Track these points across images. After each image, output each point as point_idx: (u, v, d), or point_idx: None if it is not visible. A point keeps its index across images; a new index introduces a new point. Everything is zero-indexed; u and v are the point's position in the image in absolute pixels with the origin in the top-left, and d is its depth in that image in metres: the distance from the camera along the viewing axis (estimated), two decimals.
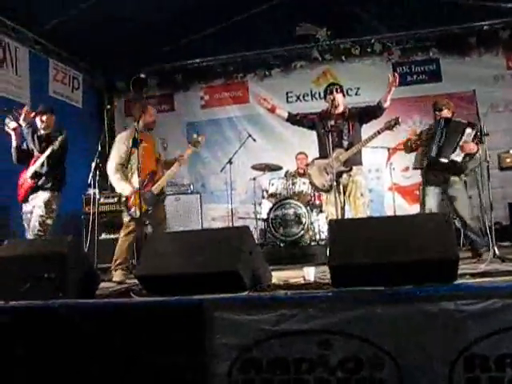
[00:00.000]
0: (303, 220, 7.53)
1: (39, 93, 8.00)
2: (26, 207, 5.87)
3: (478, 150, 5.53)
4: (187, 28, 8.64)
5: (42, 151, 5.79)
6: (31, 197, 5.82)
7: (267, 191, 8.24)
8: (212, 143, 9.63)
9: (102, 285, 4.23)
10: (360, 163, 5.94)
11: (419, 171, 5.98)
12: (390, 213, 8.00)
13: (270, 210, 7.69)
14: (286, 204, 7.70)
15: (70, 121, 8.00)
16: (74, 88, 9.18)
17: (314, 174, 6.08)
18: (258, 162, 8.32)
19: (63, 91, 8.86)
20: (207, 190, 9.46)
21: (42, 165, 5.77)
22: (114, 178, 5.87)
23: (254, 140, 8.09)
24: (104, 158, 6.07)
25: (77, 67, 9.25)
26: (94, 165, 5.82)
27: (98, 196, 6.10)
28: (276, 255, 7.12)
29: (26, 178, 5.82)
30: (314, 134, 6.11)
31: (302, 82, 9.53)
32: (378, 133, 5.75)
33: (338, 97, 5.93)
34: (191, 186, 8.98)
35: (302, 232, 7.57)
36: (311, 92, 9.47)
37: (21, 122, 5.77)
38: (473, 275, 3.52)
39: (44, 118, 5.92)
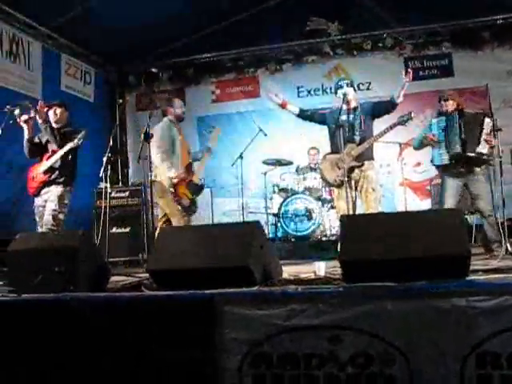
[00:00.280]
0: (314, 215, 7.54)
1: (51, 87, 8.04)
2: (37, 201, 5.88)
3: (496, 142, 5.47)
4: (199, 22, 8.64)
5: (59, 146, 5.77)
6: (44, 191, 5.83)
7: (278, 186, 8.25)
8: (223, 138, 9.61)
9: (113, 278, 4.24)
10: (372, 158, 5.93)
11: (430, 166, 5.94)
12: (400, 208, 7.97)
13: (281, 204, 7.70)
14: (296, 199, 7.71)
15: (82, 115, 8.03)
16: (85, 82, 9.21)
17: (325, 169, 6.07)
18: (269, 157, 8.32)
19: (75, 86, 8.89)
20: (218, 185, 9.45)
21: (57, 160, 5.78)
22: (164, 165, 5.94)
23: (265, 135, 8.08)
24: (115, 152, 6.10)
25: (89, 61, 9.28)
26: (105, 159, 5.84)
27: (109, 190, 6.13)
28: (287, 250, 7.12)
29: (38, 171, 5.82)
30: (325, 129, 6.10)
31: (313, 77, 9.50)
32: (391, 128, 5.73)
33: (350, 91, 5.91)
34: (202, 180, 8.98)
35: (313, 227, 7.57)
36: (322, 87, 9.44)
37: (37, 118, 5.75)
38: (485, 271, 3.49)
39: (58, 111, 5.91)
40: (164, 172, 5.96)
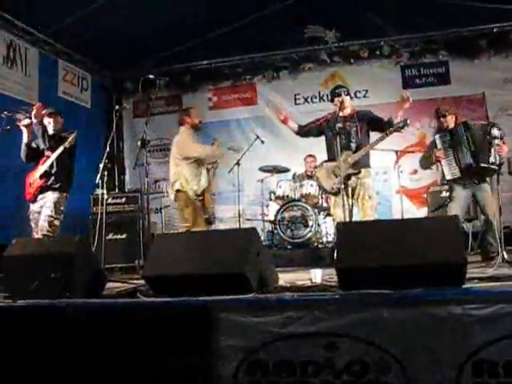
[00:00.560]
0: (310, 222, 7.53)
1: (48, 93, 8.04)
2: (33, 207, 5.89)
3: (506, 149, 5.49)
4: (196, 29, 8.64)
5: (51, 150, 5.79)
6: (40, 196, 5.83)
7: (275, 193, 8.25)
8: (220, 145, 9.62)
9: (109, 285, 4.23)
10: (368, 165, 5.94)
11: (428, 173, 5.95)
12: (397, 216, 7.97)
13: (278, 211, 7.69)
14: (293, 206, 7.70)
15: (79, 121, 8.06)
16: (83, 89, 9.22)
17: (322, 177, 6.08)
18: (265, 164, 8.32)
19: (72, 92, 8.90)
20: (215, 191, 9.45)
21: (52, 164, 5.79)
22: (201, 150, 6.34)
23: (262, 142, 8.08)
24: (112, 158, 6.13)
25: (86, 68, 9.29)
26: (102, 165, 5.83)
27: (105, 196, 6.12)
28: (283, 257, 7.11)
29: (35, 177, 5.83)
30: (322, 136, 6.12)
31: (310, 84, 9.53)
32: (386, 135, 5.74)
33: (347, 99, 5.93)
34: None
35: (309, 234, 7.57)
36: (319, 94, 9.47)
37: (32, 117, 5.76)
38: (481, 279, 3.49)
39: (52, 119, 5.94)
40: (195, 182, 6.24)
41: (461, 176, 5.55)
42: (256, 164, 8.40)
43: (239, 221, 7.80)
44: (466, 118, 5.88)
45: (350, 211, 5.80)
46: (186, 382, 2.92)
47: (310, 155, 8.37)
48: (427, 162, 5.93)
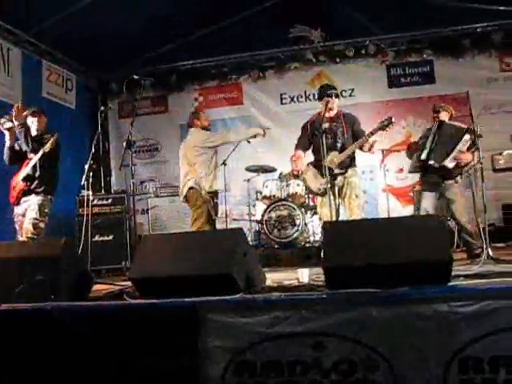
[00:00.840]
0: (297, 222, 7.53)
1: (32, 94, 7.95)
2: (17, 209, 5.85)
3: (472, 159, 5.55)
4: (181, 29, 8.63)
5: (34, 152, 5.75)
6: (23, 199, 5.79)
7: (261, 193, 8.24)
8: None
9: (96, 287, 4.21)
10: (354, 165, 5.95)
11: (416, 174, 6.02)
12: (383, 214, 8.00)
13: (264, 211, 7.68)
14: (280, 206, 7.70)
15: (64, 122, 8.00)
16: (67, 89, 9.14)
17: (309, 179, 6.09)
18: (252, 164, 8.31)
19: (56, 92, 8.82)
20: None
21: (35, 167, 5.74)
22: (211, 176, 6.47)
23: (249, 142, 8.07)
24: (98, 159, 6.10)
25: (70, 68, 9.21)
26: (87, 166, 5.81)
27: (91, 198, 6.09)
28: (270, 257, 7.11)
29: (18, 180, 5.79)
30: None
31: (296, 84, 9.52)
32: (372, 134, 5.75)
33: (335, 101, 5.94)
34: None
35: (296, 234, 7.57)
36: (305, 94, 9.46)
37: (13, 119, 5.71)
38: (467, 277, 3.52)
39: (36, 119, 5.89)
40: (208, 180, 6.37)
41: (418, 170, 5.68)
42: (242, 164, 8.39)
43: (226, 221, 7.79)
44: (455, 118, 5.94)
45: (337, 210, 5.82)
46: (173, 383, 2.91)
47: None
48: (412, 152, 6.06)
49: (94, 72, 9.82)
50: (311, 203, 7.85)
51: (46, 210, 5.78)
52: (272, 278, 4.14)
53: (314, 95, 8.99)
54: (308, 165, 6.19)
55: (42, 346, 3.10)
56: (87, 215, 6.13)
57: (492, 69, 8.71)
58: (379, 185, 8.60)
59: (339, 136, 5.85)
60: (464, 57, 8.75)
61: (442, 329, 2.65)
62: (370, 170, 8.78)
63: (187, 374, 2.88)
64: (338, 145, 5.84)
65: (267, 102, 9.63)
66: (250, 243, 5.95)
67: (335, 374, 2.72)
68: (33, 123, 5.87)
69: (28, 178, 5.75)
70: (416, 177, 8.03)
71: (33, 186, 5.75)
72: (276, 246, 7.62)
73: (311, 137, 5.98)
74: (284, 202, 7.76)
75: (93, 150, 6.02)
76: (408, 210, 8.36)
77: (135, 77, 8.48)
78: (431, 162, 5.58)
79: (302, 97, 9.52)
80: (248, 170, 8.29)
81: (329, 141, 5.75)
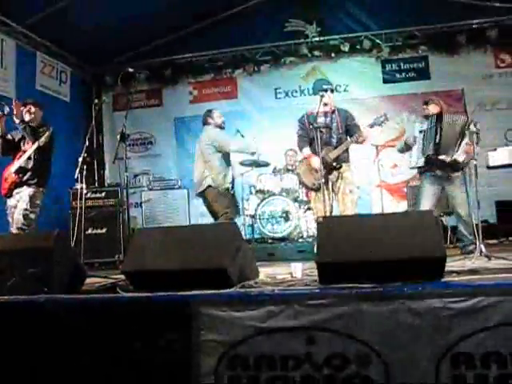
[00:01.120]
0: (291, 216, 7.54)
1: (26, 86, 7.91)
2: (10, 201, 5.82)
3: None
4: (176, 23, 8.61)
5: (29, 144, 5.72)
6: (16, 191, 5.76)
7: (255, 187, 8.24)
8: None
9: (89, 280, 4.19)
10: (348, 160, 5.95)
11: (406, 168, 6.00)
12: (377, 210, 8.01)
13: (258, 206, 7.68)
14: (273, 200, 7.70)
15: (58, 115, 7.94)
16: (61, 82, 9.10)
17: (303, 174, 6.09)
18: (246, 158, 8.30)
19: (51, 85, 8.77)
20: (195, 186, 9.41)
21: (29, 160, 5.71)
22: (227, 171, 6.53)
23: (243, 136, 8.05)
24: (91, 152, 6.08)
25: (65, 61, 9.16)
26: (81, 159, 5.78)
27: (85, 191, 6.07)
28: (263, 251, 7.11)
29: (10, 172, 5.76)
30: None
31: (290, 78, 9.51)
32: (366, 130, 5.75)
33: (330, 96, 5.93)
34: (179, 181, 8.96)
35: (290, 228, 7.57)
36: (300, 88, 9.46)
37: (14, 118, 5.67)
38: (459, 273, 3.52)
39: (32, 110, 5.85)
40: (223, 178, 6.42)
41: (424, 166, 5.63)
42: (236, 158, 8.37)
43: None
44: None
45: (331, 205, 5.82)
46: (166, 377, 2.91)
47: (290, 149, 8.37)
48: (401, 146, 6.02)
49: (88, 65, 9.79)
50: (305, 198, 7.85)
51: (38, 202, 5.75)
52: (265, 272, 4.14)
53: (308, 90, 9.00)
54: (302, 160, 6.19)
55: (34, 338, 3.09)
56: (81, 208, 6.11)
57: (487, 65, 8.73)
58: (373, 180, 8.61)
59: (334, 131, 5.85)
60: (459, 53, 8.76)
61: (434, 324, 2.65)
62: (363, 165, 8.78)
63: (180, 367, 2.88)
64: (334, 140, 5.84)
65: (262, 96, 9.62)
66: (244, 237, 5.95)
67: (327, 369, 2.72)
68: (27, 115, 5.83)
69: (21, 171, 5.72)
70: (409, 173, 8.06)
71: (25, 178, 5.72)
72: (269, 241, 7.62)
73: (309, 130, 5.97)
74: (278, 197, 7.76)
75: (87, 142, 5.99)
76: (402, 206, 8.38)
77: (130, 70, 8.46)
78: (442, 157, 5.51)
79: (296, 91, 9.52)
80: (242, 164, 8.28)
81: (324, 136, 5.76)
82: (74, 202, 7.40)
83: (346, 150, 5.89)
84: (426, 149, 5.60)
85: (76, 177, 5.87)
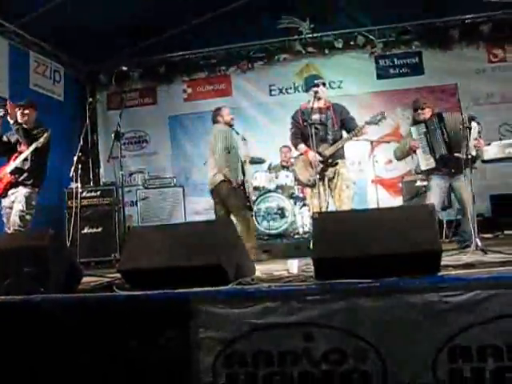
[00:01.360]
0: (286, 213, 7.56)
1: (19, 86, 7.88)
2: (4, 202, 5.82)
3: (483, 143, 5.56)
4: (170, 21, 8.58)
5: (25, 145, 5.71)
6: (11, 191, 5.76)
7: (251, 184, 8.24)
8: (195, 136, 9.59)
9: (85, 279, 4.19)
10: (343, 157, 5.96)
11: (402, 162, 6.00)
12: (372, 205, 8.02)
13: (254, 202, 7.68)
14: (269, 197, 7.72)
15: (52, 114, 7.92)
16: (55, 81, 9.07)
17: (299, 170, 6.09)
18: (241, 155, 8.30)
19: (44, 84, 8.75)
20: (191, 183, 9.42)
21: (25, 161, 5.71)
22: (237, 167, 6.55)
23: (237, 133, 8.05)
24: (86, 151, 6.07)
25: (58, 60, 9.13)
26: (76, 158, 5.77)
27: (80, 190, 6.07)
28: (259, 248, 7.11)
29: (5, 172, 5.75)
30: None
31: (284, 75, 9.52)
32: (363, 127, 5.76)
33: (323, 90, 5.93)
34: (174, 180, 8.96)
35: (286, 225, 7.59)
36: (294, 85, 9.46)
37: (2, 113, 5.67)
38: (456, 267, 3.53)
39: (26, 111, 5.84)
40: (235, 173, 6.43)
41: (436, 166, 5.64)
42: None
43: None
44: (440, 110, 5.94)
45: (327, 201, 5.83)
46: (164, 374, 2.91)
47: (285, 146, 8.38)
48: (402, 153, 6.01)
49: (82, 64, 9.76)
50: (300, 194, 7.86)
51: (33, 203, 5.76)
52: (261, 269, 4.15)
53: (302, 86, 8.97)
54: (298, 156, 6.19)
55: (31, 338, 3.08)
56: (76, 207, 6.10)
57: (480, 60, 8.75)
58: (368, 176, 8.62)
59: (329, 128, 5.85)
60: (452, 48, 8.78)
61: (431, 318, 2.66)
62: (358, 161, 8.80)
63: (178, 364, 2.88)
64: (329, 137, 5.84)
65: (256, 93, 9.62)
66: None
67: (325, 364, 2.73)
68: (20, 116, 5.82)
69: (17, 171, 5.72)
70: (404, 168, 8.09)
71: (21, 178, 5.72)
72: (265, 238, 7.63)
73: (303, 127, 5.96)
74: (273, 194, 7.77)
75: (81, 141, 5.98)
76: (397, 201, 8.39)
77: (124, 68, 8.46)
78: (458, 155, 5.49)
79: (290, 88, 9.52)
80: None
81: (320, 133, 5.76)
82: (69, 202, 7.39)
83: (342, 147, 5.89)
84: (437, 149, 5.61)
85: (71, 176, 5.86)
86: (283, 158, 8.45)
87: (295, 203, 7.77)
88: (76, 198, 6.23)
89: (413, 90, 8.63)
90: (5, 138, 5.82)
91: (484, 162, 6.42)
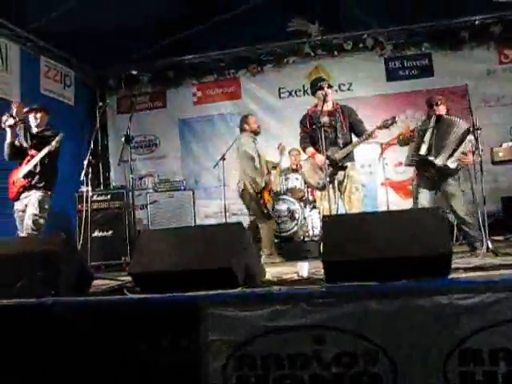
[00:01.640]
0: (296, 216, 7.55)
1: (30, 90, 7.93)
2: (17, 205, 5.85)
3: (473, 161, 5.45)
4: (179, 24, 8.60)
5: (35, 149, 5.75)
6: (23, 195, 5.79)
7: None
8: (204, 139, 9.62)
9: (96, 282, 4.21)
10: (353, 159, 5.95)
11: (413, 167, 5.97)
12: (382, 208, 8.00)
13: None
14: (279, 200, 7.70)
15: (62, 118, 7.95)
16: (65, 85, 9.12)
17: (308, 173, 6.09)
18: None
19: (55, 89, 8.80)
20: (200, 187, 9.44)
21: (36, 164, 5.74)
22: (256, 176, 6.79)
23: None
24: (96, 155, 6.10)
25: (68, 64, 9.18)
26: (86, 162, 5.80)
27: (90, 193, 6.09)
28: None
29: (18, 176, 5.79)
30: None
31: (294, 78, 9.51)
32: (373, 132, 5.75)
33: (330, 92, 5.93)
34: (184, 183, 8.97)
35: (296, 228, 7.58)
36: (303, 87, 9.44)
37: (13, 114, 5.72)
38: (466, 269, 3.52)
39: (38, 115, 5.89)
40: (254, 182, 6.70)
41: (415, 164, 5.60)
42: None
43: (225, 216, 7.79)
44: (450, 111, 5.90)
45: (337, 204, 5.82)
46: (174, 378, 2.92)
47: (295, 149, 8.37)
48: (403, 141, 5.95)
49: (92, 68, 9.81)
50: (310, 197, 7.85)
51: (46, 206, 5.79)
52: (271, 271, 4.15)
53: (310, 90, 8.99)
54: (307, 159, 6.19)
55: (42, 341, 3.10)
56: (86, 211, 6.13)
57: (491, 61, 8.69)
58: (378, 178, 8.60)
59: (339, 130, 5.86)
60: (463, 49, 8.73)
61: (442, 321, 2.65)
62: (368, 163, 8.77)
63: (188, 367, 2.88)
64: (339, 140, 5.84)
65: (265, 96, 9.61)
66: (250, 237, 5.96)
67: (336, 367, 2.72)
68: (32, 120, 5.87)
69: (29, 175, 5.76)
70: (415, 170, 8.04)
71: (33, 182, 5.76)
72: (275, 240, 7.62)
73: (312, 131, 5.96)
74: (283, 197, 7.76)
75: (91, 145, 6.01)
76: (407, 204, 8.34)
77: (133, 72, 8.50)
78: (431, 158, 5.46)
79: (300, 91, 9.51)
80: None
81: (330, 135, 5.77)
82: (79, 205, 7.43)
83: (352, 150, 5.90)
84: (420, 149, 5.56)
85: (81, 180, 5.89)
86: (293, 161, 8.44)
87: (305, 206, 7.76)
88: (86, 202, 6.25)
89: (423, 92, 8.58)
90: (17, 143, 5.85)
91: (495, 163, 6.39)
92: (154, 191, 8.93)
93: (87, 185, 5.98)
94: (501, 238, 6.83)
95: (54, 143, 5.70)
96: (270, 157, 8.42)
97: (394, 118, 5.73)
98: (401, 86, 9.03)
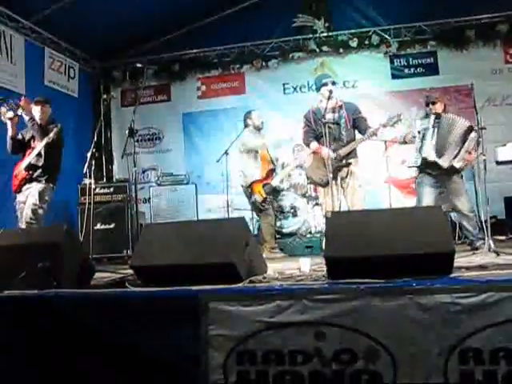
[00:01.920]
0: (299, 212, 7.54)
1: (34, 82, 7.93)
2: (19, 197, 5.86)
3: (476, 158, 5.44)
4: (184, 18, 8.60)
5: (38, 142, 5.76)
6: (25, 187, 5.80)
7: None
8: (208, 134, 9.60)
9: (98, 275, 4.21)
10: (356, 156, 5.94)
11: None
12: (385, 206, 7.96)
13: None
14: (282, 196, 7.69)
15: (66, 110, 7.97)
16: (70, 77, 9.11)
17: (311, 169, 6.08)
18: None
19: (59, 80, 8.79)
20: (203, 181, 9.43)
21: (38, 157, 5.74)
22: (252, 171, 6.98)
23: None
24: (100, 148, 6.10)
25: (73, 56, 9.18)
26: (89, 154, 5.80)
27: (93, 186, 6.10)
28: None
29: (20, 169, 5.80)
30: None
31: (299, 74, 9.48)
32: (378, 130, 5.74)
33: (334, 89, 5.92)
34: (187, 177, 8.97)
35: (298, 224, 7.57)
36: (308, 84, 9.41)
37: (20, 112, 5.72)
38: (468, 268, 3.51)
39: (39, 108, 5.89)
40: (251, 176, 6.87)
41: (421, 165, 5.58)
42: None
43: (228, 210, 7.79)
44: (455, 110, 5.88)
45: (340, 200, 5.82)
46: (175, 371, 2.92)
47: (299, 144, 8.35)
48: (402, 139, 5.94)
49: (96, 60, 9.80)
50: (313, 193, 7.84)
51: (47, 198, 5.78)
52: (273, 267, 4.14)
53: (317, 85, 8.96)
54: (310, 155, 6.18)
55: (43, 333, 3.11)
56: (89, 203, 6.14)
57: (496, 60, 8.67)
58: (381, 176, 8.58)
59: (343, 127, 5.84)
60: (468, 48, 8.70)
61: (443, 320, 2.65)
62: (372, 161, 8.75)
63: (188, 361, 2.88)
64: (343, 137, 5.83)
65: (270, 91, 9.60)
66: (252, 233, 5.96)
67: (336, 364, 2.72)
68: (35, 112, 5.86)
69: (31, 167, 5.76)
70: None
71: (35, 175, 5.76)
72: (278, 236, 7.62)
73: (315, 127, 5.95)
74: (286, 192, 7.75)
75: (95, 138, 6.02)
76: (410, 202, 8.33)
77: (138, 65, 8.48)
78: (439, 161, 5.44)
79: (304, 87, 9.49)
80: None
81: (333, 132, 5.75)
82: (82, 198, 7.44)
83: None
84: (424, 150, 5.53)
85: (84, 172, 5.89)
86: (296, 157, 8.43)
87: (308, 202, 7.75)
88: (89, 194, 6.27)
89: (427, 90, 8.56)
90: (19, 136, 5.86)
91: (498, 163, 6.37)
92: (157, 185, 8.95)
93: (90, 177, 6.00)
94: (503, 237, 6.82)
95: (51, 134, 5.69)
96: (273, 152, 8.42)
97: (399, 115, 5.71)
98: (406, 83, 9.01)
